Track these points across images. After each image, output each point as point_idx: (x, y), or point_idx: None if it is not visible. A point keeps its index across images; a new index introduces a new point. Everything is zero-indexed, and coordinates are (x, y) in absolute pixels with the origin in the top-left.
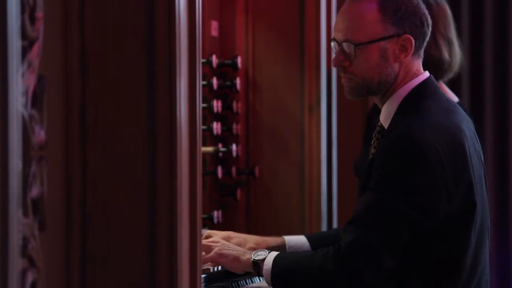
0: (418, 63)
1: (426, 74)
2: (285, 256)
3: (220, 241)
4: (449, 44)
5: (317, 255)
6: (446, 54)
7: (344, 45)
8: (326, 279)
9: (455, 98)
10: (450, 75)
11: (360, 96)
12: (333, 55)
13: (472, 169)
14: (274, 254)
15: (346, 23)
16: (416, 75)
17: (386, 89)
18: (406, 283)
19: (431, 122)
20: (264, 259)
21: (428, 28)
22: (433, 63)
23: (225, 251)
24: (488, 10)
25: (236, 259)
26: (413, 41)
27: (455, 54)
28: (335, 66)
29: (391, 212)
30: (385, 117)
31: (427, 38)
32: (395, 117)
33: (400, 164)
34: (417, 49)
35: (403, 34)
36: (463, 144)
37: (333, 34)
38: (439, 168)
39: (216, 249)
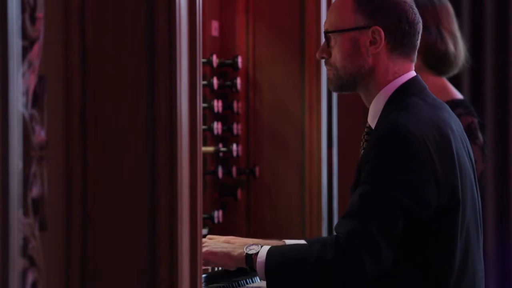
0: (402, 62)
1: (413, 73)
2: (280, 249)
3: (207, 240)
4: (453, 37)
5: (315, 246)
6: (451, 47)
7: (325, 36)
8: (325, 269)
9: (459, 96)
10: (455, 70)
11: (339, 88)
12: None
13: (458, 165)
14: (267, 247)
15: (328, 15)
16: (400, 74)
17: (364, 84)
18: (399, 282)
19: (417, 115)
20: (257, 253)
21: (411, 26)
22: (439, 56)
23: (215, 249)
24: (489, 7)
25: (227, 255)
26: (382, 33)
27: (459, 47)
28: (318, 58)
29: (384, 199)
30: (372, 117)
31: (414, 38)
32: (381, 116)
33: (387, 155)
34: (395, 46)
35: (374, 25)
36: (449, 139)
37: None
38: (427, 158)
39: (205, 248)
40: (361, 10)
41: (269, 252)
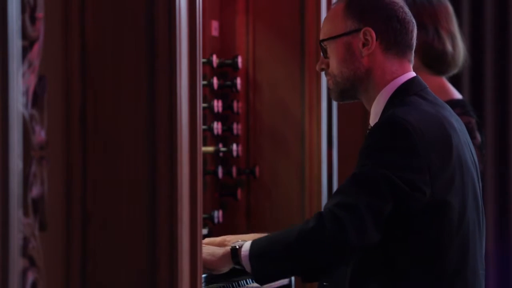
0: (399, 62)
1: (412, 73)
2: (264, 236)
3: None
4: (452, 37)
5: (297, 225)
6: (449, 46)
7: (322, 47)
8: (306, 238)
9: (457, 95)
10: (454, 69)
11: (339, 95)
12: None
13: (459, 163)
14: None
15: (322, 26)
16: (398, 74)
17: (364, 88)
18: (391, 281)
19: (417, 110)
20: (242, 245)
21: (402, 25)
22: (437, 56)
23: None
24: (489, 7)
25: (212, 254)
26: (373, 33)
27: (458, 47)
28: (318, 70)
29: (375, 178)
30: (373, 118)
31: (407, 36)
32: (382, 115)
33: (384, 142)
34: (388, 45)
35: (364, 27)
36: (449, 135)
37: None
38: (424, 150)
39: None
40: (350, 15)
41: (253, 241)
